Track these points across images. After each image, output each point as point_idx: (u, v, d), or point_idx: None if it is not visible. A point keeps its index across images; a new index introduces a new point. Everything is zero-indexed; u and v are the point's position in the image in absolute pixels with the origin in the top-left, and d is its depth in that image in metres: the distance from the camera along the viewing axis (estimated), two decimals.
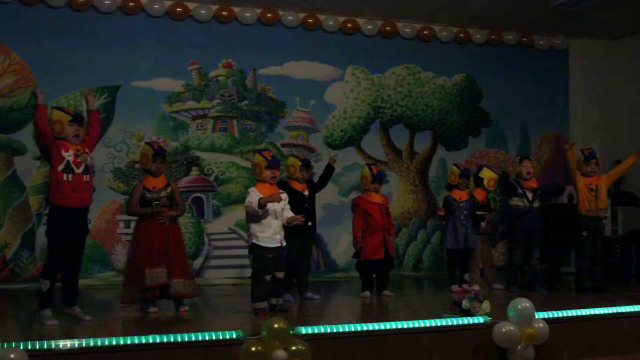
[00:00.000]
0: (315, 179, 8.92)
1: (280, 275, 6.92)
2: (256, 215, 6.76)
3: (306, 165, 8.26)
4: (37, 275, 8.21)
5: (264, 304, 6.80)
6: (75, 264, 6.57)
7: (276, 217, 6.85)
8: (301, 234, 7.79)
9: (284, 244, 6.95)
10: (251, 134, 10.36)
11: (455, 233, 8.65)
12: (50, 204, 6.42)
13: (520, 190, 8.61)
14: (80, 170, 6.34)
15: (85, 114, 6.97)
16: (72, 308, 6.46)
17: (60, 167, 6.27)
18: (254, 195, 6.71)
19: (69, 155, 6.30)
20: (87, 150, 6.47)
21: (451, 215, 8.71)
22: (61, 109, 6.56)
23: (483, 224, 8.86)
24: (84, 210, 6.52)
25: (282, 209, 6.90)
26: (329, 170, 8.53)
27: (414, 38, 11.21)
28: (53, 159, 6.29)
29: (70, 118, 6.41)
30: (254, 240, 6.79)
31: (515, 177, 8.80)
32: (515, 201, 8.63)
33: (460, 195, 8.77)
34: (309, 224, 7.99)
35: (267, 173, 6.88)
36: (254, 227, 6.81)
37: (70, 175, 6.28)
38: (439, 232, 10.99)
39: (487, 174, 9.05)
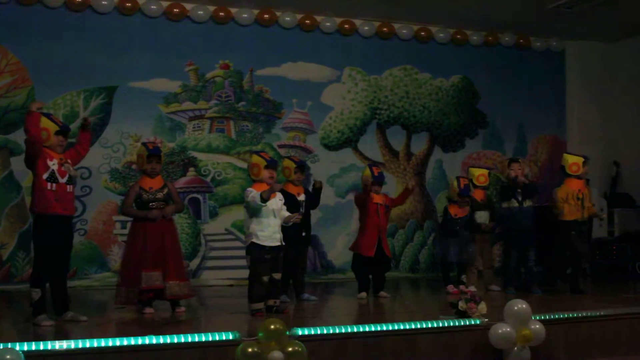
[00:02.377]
0: (312, 183, 8.89)
1: (277, 276, 6.92)
2: (259, 210, 6.73)
3: (301, 167, 8.25)
4: None
5: (261, 305, 6.78)
6: (62, 272, 6.52)
7: (275, 216, 6.85)
8: (294, 244, 7.76)
9: (283, 243, 6.96)
10: (248, 135, 10.36)
11: (447, 246, 8.73)
12: (33, 212, 6.39)
13: (510, 192, 8.68)
14: (64, 180, 6.30)
15: (78, 130, 6.81)
16: (64, 315, 6.41)
17: (45, 176, 6.22)
18: (254, 192, 6.71)
19: (53, 164, 6.26)
20: (69, 161, 6.42)
21: (444, 228, 8.85)
22: (50, 118, 6.49)
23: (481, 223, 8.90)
24: (68, 219, 6.48)
25: (279, 208, 6.90)
26: (317, 192, 8.31)
27: (411, 39, 11.23)
28: (38, 166, 6.24)
29: (57, 129, 6.37)
30: (254, 240, 6.76)
31: (505, 180, 8.87)
32: (506, 203, 8.69)
33: (456, 211, 8.78)
34: (303, 234, 7.99)
35: (265, 173, 6.87)
36: (254, 227, 6.79)
37: (54, 185, 6.24)
38: (435, 233, 10.99)
39: (474, 173, 9.15)
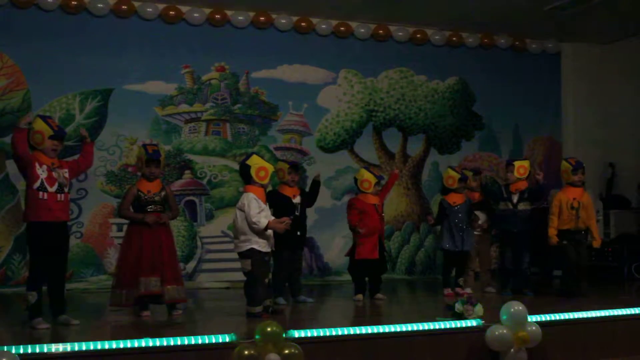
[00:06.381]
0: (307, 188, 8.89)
1: (270, 276, 7.08)
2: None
3: (295, 167, 8.23)
4: None
5: (261, 308, 6.82)
6: (59, 275, 6.50)
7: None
8: (289, 246, 7.80)
9: (274, 249, 7.12)
10: (244, 137, 10.35)
11: (452, 236, 8.61)
12: (26, 220, 6.35)
13: (505, 194, 8.67)
14: (54, 189, 6.25)
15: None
16: (58, 317, 6.41)
17: (35, 185, 6.19)
18: (262, 215, 6.80)
19: (42, 172, 6.20)
20: (60, 166, 6.38)
21: (446, 219, 8.66)
22: (45, 120, 6.40)
23: (479, 222, 8.84)
24: (62, 225, 6.43)
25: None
26: (315, 186, 8.35)
27: (406, 41, 11.23)
28: (28, 177, 6.22)
29: (52, 133, 6.30)
30: (255, 246, 6.82)
31: (505, 182, 8.86)
32: (501, 205, 8.70)
33: (455, 199, 8.69)
34: (298, 233, 7.95)
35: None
36: (251, 235, 6.84)
37: (45, 194, 6.21)
38: (432, 235, 11.00)
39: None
